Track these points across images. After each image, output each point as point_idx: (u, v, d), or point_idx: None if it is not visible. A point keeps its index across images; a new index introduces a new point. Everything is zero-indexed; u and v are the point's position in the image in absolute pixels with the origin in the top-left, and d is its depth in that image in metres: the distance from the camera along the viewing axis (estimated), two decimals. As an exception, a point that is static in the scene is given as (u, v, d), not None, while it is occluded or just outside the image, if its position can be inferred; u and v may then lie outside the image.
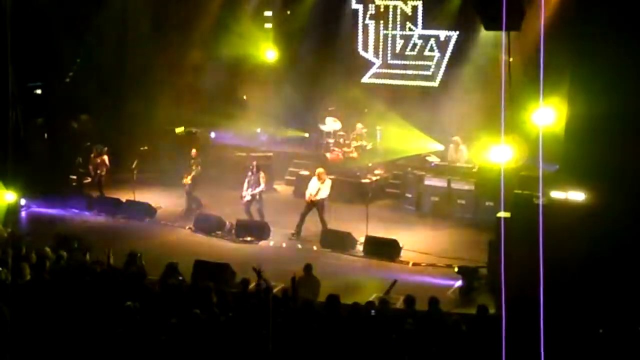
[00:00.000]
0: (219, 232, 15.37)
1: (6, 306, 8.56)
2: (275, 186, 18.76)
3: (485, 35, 16.99)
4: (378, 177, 18.15)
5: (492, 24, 10.86)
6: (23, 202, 16.46)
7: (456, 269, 12.80)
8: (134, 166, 17.20)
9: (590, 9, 10.81)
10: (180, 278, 11.19)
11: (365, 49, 20.03)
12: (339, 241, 14.62)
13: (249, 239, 15.06)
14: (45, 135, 19.43)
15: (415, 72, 19.44)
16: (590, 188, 10.40)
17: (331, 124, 18.90)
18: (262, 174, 15.71)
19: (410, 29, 19.43)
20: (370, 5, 19.77)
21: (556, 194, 10.67)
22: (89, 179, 18.02)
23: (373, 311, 9.62)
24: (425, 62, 19.32)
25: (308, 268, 11.67)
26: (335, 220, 15.55)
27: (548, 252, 7.86)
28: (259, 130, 20.55)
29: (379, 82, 19.93)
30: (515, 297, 9.36)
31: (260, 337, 8.22)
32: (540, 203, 10.30)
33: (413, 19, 19.35)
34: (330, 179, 15.72)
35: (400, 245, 14.25)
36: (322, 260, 13.59)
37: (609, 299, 9.94)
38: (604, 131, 10.34)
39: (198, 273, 12.26)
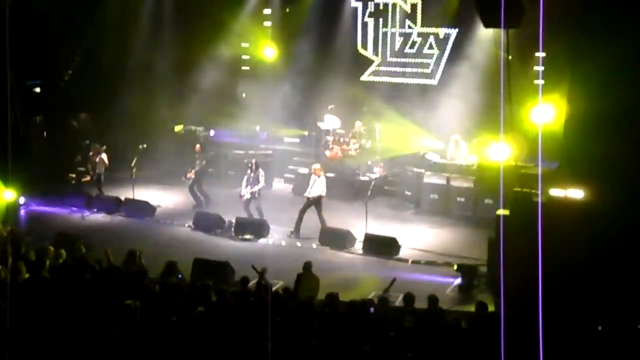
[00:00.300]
0: (219, 230, 15.37)
1: (5, 305, 8.56)
2: (274, 184, 18.76)
3: (484, 32, 16.97)
4: (377, 175, 18.14)
5: (492, 22, 10.86)
6: (22, 200, 16.46)
7: (455, 267, 12.81)
8: (133, 164, 17.21)
9: (590, 6, 10.80)
10: (180, 276, 11.19)
11: (365, 46, 20.02)
12: (338, 239, 14.62)
13: (248, 237, 15.06)
14: (45, 133, 19.43)
15: (414, 70, 19.43)
16: (590, 186, 10.39)
17: (330, 122, 18.90)
18: (261, 172, 15.71)
19: (409, 27, 19.42)
20: (369, 3, 19.76)
21: (555, 192, 10.67)
22: (88, 178, 18.02)
23: (372, 309, 9.62)
24: (425, 60, 19.30)
25: (307, 266, 11.67)
26: (334, 218, 15.55)
27: (547, 249, 7.87)
28: (258, 128, 20.55)
29: (378, 79, 19.92)
30: (515, 294, 9.38)
31: (259, 335, 8.22)
32: (540, 201, 10.32)
33: (412, 16, 19.34)
34: (327, 176, 15.71)
35: (400, 243, 14.25)
36: (321, 258, 13.60)
37: (607, 296, 9.94)
38: (604, 129, 10.33)
39: (197, 271, 12.26)
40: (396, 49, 19.66)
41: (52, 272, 10.53)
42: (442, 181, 16.77)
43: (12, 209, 14.85)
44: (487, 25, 11.30)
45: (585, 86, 10.80)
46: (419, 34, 19.30)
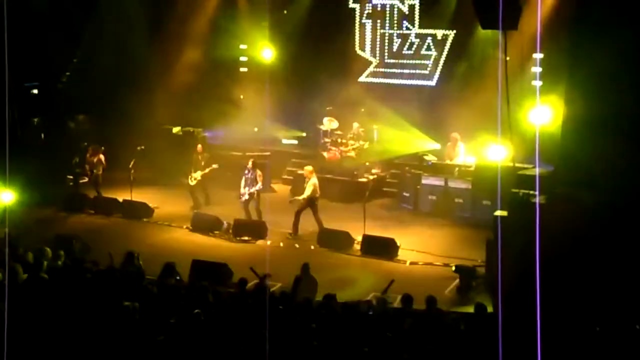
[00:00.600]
0: (217, 232, 15.36)
1: (2, 306, 8.56)
2: (272, 185, 18.76)
3: (482, 34, 17.00)
4: (375, 176, 18.14)
5: (490, 23, 10.87)
6: (20, 201, 16.42)
7: (454, 268, 12.81)
8: (130, 166, 17.20)
9: (587, 8, 10.81)
10: (178, 278, 11.18)
11: (362, 48, 20.04)
12: (336, 240, 14.62)
13: (246, 238, 15.06)
14: (42, 135, 19.41)
15: (412, 71, 19.45)
16: (587, 187, 10.40)
17: (328, 123, 18.91)
18: (258, 172, 15.72)
19: (407, 28, 19.45)
20: (367, 4, 19.78)
21: (553, 193, 10.68)
22: (86, 179, 18.01)
23: (371, 311, 9.62)
24: (423, 61, 19.33)
25: (305, 267, 11.67)
26: (332, 219, 15.55)
27: (545, 250, 7.88)
28: (256, 129, 20.55)
29: (376, 81, 19.94)
30: (513, 295, 9.39)
31: (258, 337, 8.22)
32: (537, 202, 10.34)
33: (410, 18, 19.37)
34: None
35: (398, 244, 14.25)
36: (319, 260, 13.59)
37: (605, 297, 9.94)
38: (601, 130, 10.34)
39: (195, 273, 12.26)
40: (394, 50, 19.68)
41: (50, 273, 10.53)
42: (440, 182, 16.77)
43: (10, 210, 14.82)
44: (484, 26, 11.31)
45: (582, 88, 10.83)
46: (417, 35, 19.32)
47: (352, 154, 18.30)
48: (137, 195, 17.12)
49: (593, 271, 10.15)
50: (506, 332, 7.53)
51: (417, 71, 19.37)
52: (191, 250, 13.94)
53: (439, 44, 19.04)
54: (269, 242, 14.90)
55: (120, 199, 16.98)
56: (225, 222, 15.41)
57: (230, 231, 15.25)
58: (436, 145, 18.30)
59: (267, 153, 19.14)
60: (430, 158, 17.59)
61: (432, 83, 19.19)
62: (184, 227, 15.84)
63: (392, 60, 19.75)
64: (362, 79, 20.06)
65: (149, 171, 18.58)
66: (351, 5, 19.97)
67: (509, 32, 11.01)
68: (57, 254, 11.34)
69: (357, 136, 18.50)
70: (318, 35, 19.95)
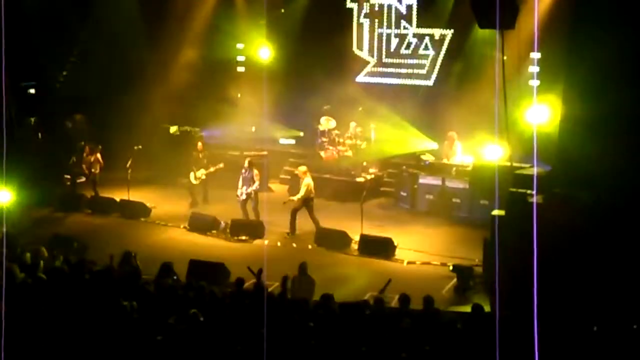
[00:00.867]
0: (214, 232, 15.35)
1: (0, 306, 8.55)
2: (270, 185, 18.75)
3: (480, 33, 17.00)
4: (373, 176, 18.15)
5: (487, 23, 10.88)
6: (17, 201, 16.39)
7: (451, 268, 12.82)
8: (128, 165, 17.18)
9: (585, 7, 10.82)
10: (175, 277, 11.17)
11: (360, 47, 20.03)
12: (333, 240, 14.62)
13: (243, 238, 15.05)
14: (39, 134, 19.38)
15: (410, 71, 19.45)
16: (584, 186, 10.41)
17: (326, 123, 18.90)
18: (255, 172, 15.72)
19: (405, 28, 19.44)
20: (364, 3, 19.77)
21: (550, 193, 10.68)
22: (83, 178, 17.99)
23: (368, 310, 9.61)
24: (420, 61, 19.33)
25: (303, 267, 11.66)
26: (330, 219, 15.55)
27: (542, 250, 7.87)
28: (253, 129, 20.54)
29: (374, 80, 19.94)
30: (510, 294, 9.40)
31: (255, 336, 8.21)
32: (535, 201, 10.34)
33: (408, 17, 19.36)
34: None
35: (395, 244, 14.25)
36: (316, 259, 13.57)
37: (603, 296, 9.95)
38: (598, 130, 10.35)
39: (193, 272, 12.24)
40: (392, 50, 19.67)
41: (47, 273, 10.51)
42: (438, 182, 16.77)
43: (7, 210, 14.80)
44: (482, 26, 11.33)
45: (580, 87, 10.84)
46: (415, 35, 19.32)
47: (350, 153, 18.30)
48: (135, 195, 17.12)
49: (590, 271, 10.16)
50: (503, 332, 7.53)
51: (415, 71, 19.36)
52: (189, 250, 13.93)
53: (437, 43, 19.04)
54: (266, 242, 14.89)
55: (118, 199, 16.96)
56: (222, 222, 15.41)
57: (228, 231, 15.25)
58: (434, 145, 18.30)
59: (265, 152, 19.13)
60: (428, 157, 17.58)
61: (430, 83, 19.19)
62: (182, 226, 15.83)
63: (389, 60, 19.75)
64: (360, 78, 20.06)
65: (147, 171, 18.57)
66: (349, 4, 19.96)
67: (506, 32, 11.03)
68: (54, 254, 11.32)
69: (354, 136, 18.50)
70: (315, 34, 19.93)
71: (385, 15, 19.62)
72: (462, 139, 17.32)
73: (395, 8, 19.47)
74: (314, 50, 19.79)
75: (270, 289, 10.77)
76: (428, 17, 19.07)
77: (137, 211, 16.49)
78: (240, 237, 15.07)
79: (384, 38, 19.73)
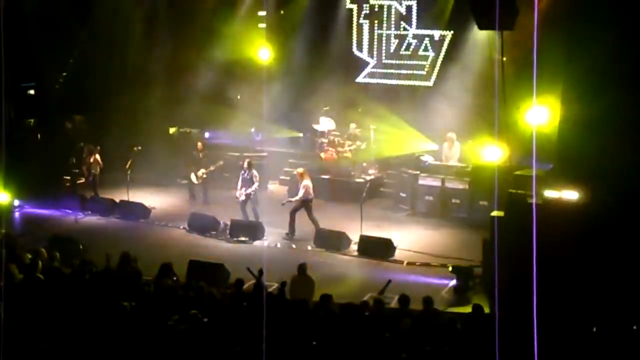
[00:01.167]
0: (214, 232, 15.36)
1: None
2: (269, 186, 18.76)
3: (479, 34, 17.01)
4: (372, 177, 18.15)
5: (486, 24, 10.89)
6: (17, 202, 16.42)
7: (450, 269, 12.80)
8: (128, 166, 17.19)
9: (583, 7, 10.82)
10: (175, 278, 11.17)
11: (360, 48, 20.04)
12: (333, 241, 14.62)
13: (243, 238, 15.05)
14: (39, 135, 19.39)
15: (409, 72, 19.45)
16: (584, 187, 10.41)
17: (325, 124, 18.91)
18: (255, 173, 15.72)
19: (404, 29, 19.45)
20: (364, 4, 19.78)
21: (550, 193, 10.68)
22: (83, 179, 17.99)
23: (368, 311, 9.61)
24: (420, 62, 19.33)
25: (302, 268, 11.66)
26: (329, 219, 15.55)
27: (541, 250, 7.88)
28: (253, 130, 20.55)
29: (374, 81, 19.94)
30: (509, 295, 9.40)
31: (254, 337, 8.21)
32: (534, 202, 10.33)
33: (407, 18, 19.36)
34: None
35: (395, 245, 14.25)
36: (316, 260, 13.58)
37: (602, 297, 9.95)
38: (598, 130, 10.35)
39: (192, 273, 12.24)
40: (391, 51, 19.68)
41: (46, 274, 10.51)
42: (437, 183, 16.78)
43: (6, 211, 14.81)
44: (481, 27, 11.34)
45: (579, 87, 10.83)
46: (414, 36, 19.33)
47: (349, 154, 18.30)
48: (134, 196, 17.12)
49: (590, 271, 10.16)
50: (503, 333, 7.54)
51: (415, 72, 19.37)
52: (188, 251, 13.93)
53: (436, 44, 19.05)
54: (265, 243, 14.89)
55: (118, 200, 16.96)
56: (222, 223, 15.41)
57: (227, 231, 15.25)
58: (433, 146, 18.30)
59: (264, 153, 19.15)
60: (427, 158, 17.59)
61: (430, 83, 19.19)
62: (181, 227, 15.83)
63: (389, 61, 19.76)
64: (360, 79, 20.06)
65: (146, 172, 18.57)
66: (348, 5, 19.97)
67: (505, 33, 11.03)
68: (52, 255, 11.33)
69: (354, 136, 18.50)
70: (315, 35, 19.95)
71: (385, 16, 19.63)
72: (461, 140, 17.32)
73: (395, 9, 19.48)
74: (314, 51, 19.81)
75: (269, 290, 10.77)
76: (428, 18, 19.08)
77: (136, 212, 16.50)
78: (239, 238, 15.07)
79: (384, 39, 19.74)
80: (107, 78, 19.91)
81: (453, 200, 16.54)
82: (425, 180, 16.94)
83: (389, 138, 18.65)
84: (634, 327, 8.70)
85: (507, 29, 10.68)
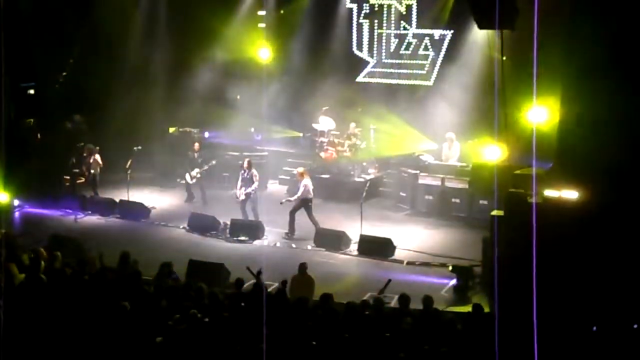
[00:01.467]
0: (213, 232, 15.35)
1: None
2: (269, 185, 18.75)
3: (479, 34, 17.01)
4: (372, 176, 18.15)
5: (486, 23, 10.88)
6: (16, 202, 16.41)
7: (450, 268, 12.81)
8: (128, 166, 17.19)
9: (583, 6, 10.82)
10: (175, 277, 11.16)
11: (360, 48, 20.03)
12: (333, 240, 14.62)
13: (243, 238, 15.05)
14: (39, 135, 19.39)
15: (409, 71, 19.44)
16: (584, 186, 10.41)
17: (325, 123, 18.90)
18: (254, 172, 15.73)
19: (404, 28, 19.45)
20: (364, 4, 19.77)
21: (549, 193, 10.68)
22: (83, 179, 17.99)
23: (368, 311, 9.61)
24: (420, 61, 19.32)
25: (302, 267, 11.66)
26: (329, 219, 15.56)
27: (541, 249, 7.88)
28: (252, 129, 20.54)
29: (374, 81, 19.93)
30: (509, 294, 9.40)
31: (254, 336, 8.21)
32: (534, 201, 10.34)
33: (407, 18, 19.36)
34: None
35: (395, 244, 14.26)
36: (316, 260, 13.59)
37: (602, 296, 9.95)
38: (598, 129, 10.34)
39: (192, 273, 12.24)
40: (391, 50, 19.68)
41: (46, 274, 10.51)
42: (437, 182, 16.78)
43: (6, 211, 14.81)
44: (481, 26, 11.33)
45: (579, 86, 10.83)
46: (414, 35, 19.32)
47: (349, 153, 18.30)
48: (134, 196, 17.12)
49: (590, 271, 10.16)
50: (503, 332, 7.54)
51: (414, 71, 19.36)
52: (188, 251, 13.93)
53: (436, 44, 19.04)
54: (265, 242, 14.90)
55: (117, 199, 16.96)
56: (222, 222, 15.40)
57: (227, 231, 15.25)
58: (433, 145, 18.30)
59: (264, 153, 19.14)
60: (427, 158, 17.59)
61: (430, 83, 19.19)
62: (181, 227, 15.82)
63: (389, 60, 19.76)
64: (360, 79, 20.05)
65: (146, 171, 18.57)
66: (348, 5, 19.96)
67: (505, 32, 11.03)
68: (53, 256, 11.32)
69: (353, 136, 18.50)
70: (315, 35, 19.94)
71: (384, 15, 19.62)
72: (461, 139, 17.32)
73: (395, 8, 19.48)
74: (313, 51, 19.80)
75: (269, 289, 10.77)
76: (428, 18, 19.07)
77: (136, 212, 16.49)
78: (239, 238, 15.07)
79: (384, 38, 19.73)
80: (107, 78, 19.89)
81: (453, 200, 16.54)
82: (425, 180, 16.95)
83: (388, 137, 18.65)
84: (634, 326, 8.70)
85: (507, 28, 10.68)
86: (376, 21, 19.76)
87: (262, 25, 20.55)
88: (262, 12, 20.58)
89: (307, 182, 15.20)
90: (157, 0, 20.41)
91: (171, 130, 20.12)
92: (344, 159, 18.31)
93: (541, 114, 13.74)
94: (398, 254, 14.16)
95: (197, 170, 17.17)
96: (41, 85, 19.76)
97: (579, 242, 10.17)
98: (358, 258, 14.23)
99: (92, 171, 17.54)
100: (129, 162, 17.24)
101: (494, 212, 11.54)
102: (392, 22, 19.56)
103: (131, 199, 16.92)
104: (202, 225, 15.53)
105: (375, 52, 19.88)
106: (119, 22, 19.95)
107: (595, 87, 10.39)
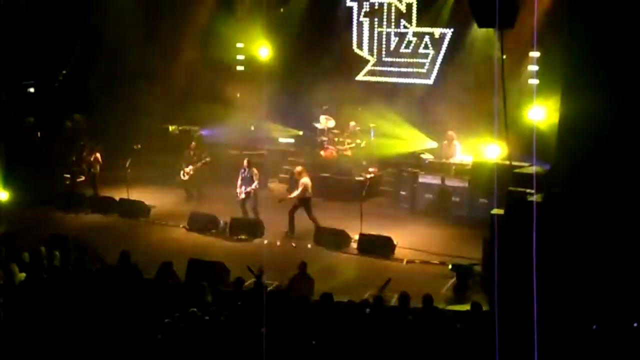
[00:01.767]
0: (213, 231, 15.36)
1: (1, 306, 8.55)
2: (269, 184, 18.75)
3: (479, 32, 17.01)
4: (372, 175, 18.14)
5: (486, 22, 10.86)
6: (16, 200, 16.40)
7: (450, 267, 12.81)
8: (127, 165, 17.19)
9: (584, 4, 10.81)
10: (175, 276, 11.17)
11: (360, 46, 20.03)
12: (333, 239, 14.62)
13: (243, 237, 15.05)
14: (39, 133, 19.40)
15: (409, 70, 19.44)
16: (583, 185, 10.40)
17: (325, 122, 18.90)
18: (255, 171, 15.73)
19: (404, 27, 19.44)
20: (364, 2, 19.77)
21: (549, 191, 10.68)
22: (83, 178, 17.99)
23: (368, 309, 9.62)
24: (420, 60, 19.33)
25: (302, 266, 11.67)
26: (329, 218, 15.55)
27: (541, 249, 7.87)
28: (252, 128, 20.54)
29: (374, 79, 19.93)
30: (509, 293, 9.40)
31: (255, 335, 8.22)
32: (534, 200, 10.34)
33: (407, 16, 19.36)
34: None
35: (395, 243, 14.25)
36: (316, 258, 13.58)
37: (602, 295, 9.95)
38: (597, 129, 10.34)
39: (192, 272, 12.24)
40: (391, 49, 19.67)
41: (47, 273, 10.52)
42: (437, 181, 16.77)
43: (6, 210, 14.82)
44: (481, 25, 11.31)
45: (579, 85, 10.82)
46: (414, 34, 19.32)
47: (349, 152, 18.30)
48: (134, 194, 17.11)
49: (590, 269, 10.16)
50: (502, 331, 7.53)
51: (415, 70, 19.36)
52: (188, 249, 13.93)
53: (437, 42, 19.04)
54: (265, 241, 14.90)
55: (117, 198, 16.97)
56: (222, 221, 15.41)
57: (227, 230, 15.25)
58: (433, 144, 18.29)
59: (264, 152, 19.14)
60: (427, 156, 17.58)
61: (430, 81, 19.19)
62: (181, 226, 15.82)
63: (389, 59, 19.75)
64: (360, 77, 20.05)
65: (146, 170, 18.56)
66: (348, 3, 19.95)
67: (505, 31, 11.01)
68: (52, 254, 11.33)
69: (353, 135, 18.50)
70: (315, 33, 19.93)
71: (385, 14, 19.62)
72: (461, 138, 17.32)
73: (395, 7, 19.47)
74: (313, 49, 19.80)
75: (269, 289, 10.78)
76: (428, 16, 19.08)
77: (136, 210, 16.49)
78: (239, 236, 15.07)
79: (384, 37, 19.73)
80: (107, 76, 19.90)
81: (453, 199, 16.53)
82: (425, 179, 16.94)
83: (388, 136, 18.65)
84: (635, 325, 8.70)
85: (508, 27, 10.65)
86: (376, 19, 19.76)
87: (262, 22, 20.54)
88: (262, 10, 20.55)
89: (305, 180, 15.19)
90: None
91: (171, 128, 20.12)
92: (344, 158, 18.31)
93: (541, 112, 13.77)
94: (398, 253, 14.15)
95: (190, 167, 17.24)
96: (41, 83, 19.77)
97: (579, 241, 10.16)
98: (358, 257, 14.23)
99: (92, 170, 17.53)
100: (128, 161, 17.24)
101: (494, 211, 11.54)
102: (392, 20, 19.56)
103: (131, 197, 16.91)
104: (202, 224, 15.53)
105: (375, 50, 19.87)
106: (119, 21, 19.93)
107: (596, 85, 10.38)
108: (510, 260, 9.87)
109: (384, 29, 19.70)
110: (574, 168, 10.64)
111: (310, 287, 11.36)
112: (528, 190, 11.09)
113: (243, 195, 15.66)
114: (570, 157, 10.79)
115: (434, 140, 18.33)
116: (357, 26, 19.94)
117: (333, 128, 18.88)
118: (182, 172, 17.38)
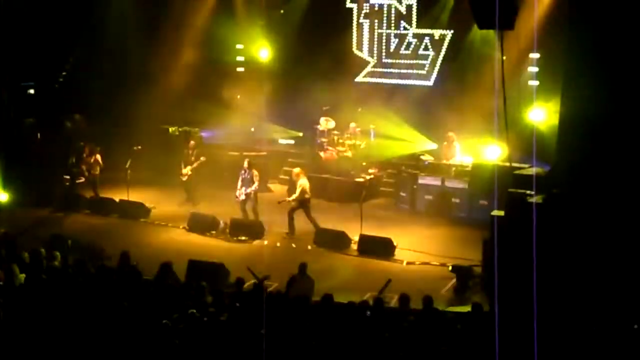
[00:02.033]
0: (213, 232, 15.35)
1: (1, 306, 8.55)
2: (269, 185, 18.75)
3: (479, 34, 17.02)
4: (372, 176, 18.15)
5: (486, 23, 10.86)
6: (16, 201, 16.40)
7: (450, 268, 12.81)
8: (127, 166, 17.19)
9: (584, 6, 10.82)
10: (175, 276, 11.16)
11: (360, 48, 20.04)
12: (333, 240, 14.62)
13: (243, 238, 15.05)
14: (39, 134, 19.39)
15: (409, 71, 19.45)
16: (583, 186, 10.41)
17: (325, 123, 18.90)
18: (255, 172, 15.72)
19: (404, 28, 19.45)
20: (364, 4, 19.78)
21: (550, 193, 10.68)
22: (83, 179, 17.98)
23: (368, 311, 9.62)
24: (420, 61, 19.34)
25: (302, 267, 11.66)
26: (329, 219, 15.54)
27: (541, 250, 7.87)
28: (252, 129, 20.54)
29: (374, 81, 19.94)
30: (509, 295, 9.39)
31: (255, 336, 8.21)
32: (534, 202, 10.34)
33: (407, 17, 19.37)
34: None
35: (395, 244, 14.25)
36: (316, 260, 13.57)
37: (602, 296, 9.95)
38: (598, 130, 10.35)
39: (192, 273, 12.24)
40: (391, 50, 19.68)
41: (47, 273, 10.52)
42: (437, 182, 16.78)
43: (6, 211, 14.82)
44: (481, 26, 11.30)
45: (579, 86, 10.82)
46: (414, 35, 19.33)
47: (349, 153, 18.29)
48: (134, 195, 17.11)
49: (590, 270, 10.16)
50: (503, 332, 7.53)
51: (415, 71, 19.38)
52: (188, 250, 13.92)
53: (436, 44, 19.05)
54: (265, 242, 14.90)
55: (117, 199, 16.96)
56: (222, 222, 15.40)
57: (227, 231, 15.24)
58: (433, 145, 18.30)
59: (264, 153, 19.14)
60: (427, 158, 17.59)
61: (430, 83, 19.20)
62: (181, 227, 15.82)
63: (389, 60, 19.76)
64: (359, 79, 20.06)
65: (146, 171, 18.56)
66: (348, 4, 19.97)
67: (505, 32, 11.01)
68: (53, 255, 11.32)
69: (353, 136, 18.50)
70: (315, 35, 19.94)
71: (385, 15, 19.63)
72: (461, 139, 17.32)
73: (395, 8, 19.49)
74: (313, 51, 19.79)
75: (269, 290, 10.78)
76: (428, 18, 19.10)
77: (136, 211, 16.49)
78: (239, 238, 15.06)
79: (384, 38, 19.74)
80: (107, 77, 19.90)
81: (453, 200, 16.55)
82: (425, 180, 16.94)
83: (388, 137, 18.65)
84: (635, 327, 8.70)
85: (507, 28, 10.65)
86: (376, 21, 19.77)
87: (262, 24, 20.55)
88: (262, 12, 20.57)
89: (303, 182, 15.19)
90: (157, 0, 20.41)
91: (171, 129, 20.13)
92: (344, 159, 18.30)
93: (541, 113, 13.78)
94: (398, 254, 14.15)
95: (188, 167, 17.20)
96: (41, 84, 19.77)
97: (579, 243, 10.16)
98: (358, 258, 14.22)
99: (92, 171, 17.53)
100: (128, 162, 17.23)
101: (494, 212, 11.54)
102: (392, 22, 19.57)
103: (131, 198, 16.91)
104: (202, 225, 15.52)
105: (375, 51, 19.88)
106: (119, 21, 19.95)
107: (596, 86, 10.39)
108: (510, 261, 9.87)
109: (384, 31, 19.71)
110: (574, 169, 10.64)
111: (311, 288, 11.35)
112: (528, 192, 11.09)
113: (243, 197, 15.66)
114: (570, 158, 10.79)
115: (434, 141, 18.33)
116: (357, 27, 19.95)
117: (333, 129, 18.89)
118: (181, 173, 17.32)
